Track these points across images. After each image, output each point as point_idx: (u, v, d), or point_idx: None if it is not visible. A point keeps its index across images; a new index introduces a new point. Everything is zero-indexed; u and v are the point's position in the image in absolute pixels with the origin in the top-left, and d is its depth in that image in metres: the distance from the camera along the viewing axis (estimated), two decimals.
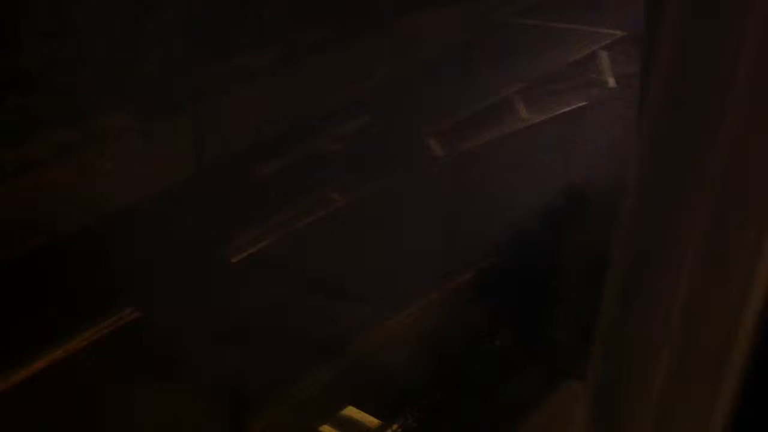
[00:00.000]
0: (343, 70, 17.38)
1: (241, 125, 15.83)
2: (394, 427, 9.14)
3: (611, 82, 16.21)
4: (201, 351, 10.21)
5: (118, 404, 9.83)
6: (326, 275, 11.70)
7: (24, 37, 16.94)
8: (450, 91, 15.95)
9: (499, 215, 12.07)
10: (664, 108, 1.68)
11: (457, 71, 16.46)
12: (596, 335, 2.20)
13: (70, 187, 13.94)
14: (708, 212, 1.74)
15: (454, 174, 13.98)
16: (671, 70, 1.68)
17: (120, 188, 13.69)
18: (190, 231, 11.61)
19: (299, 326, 10.84)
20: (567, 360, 9.33)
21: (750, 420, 1.87)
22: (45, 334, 10.63)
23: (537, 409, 8.74)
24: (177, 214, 12.35)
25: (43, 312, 11.00)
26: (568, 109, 15.69)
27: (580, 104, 15.76)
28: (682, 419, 1.91)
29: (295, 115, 16.04)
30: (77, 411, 9.78)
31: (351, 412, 9.02)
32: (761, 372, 1.78)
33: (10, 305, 11.13)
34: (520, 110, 15.87)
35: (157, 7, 14.23)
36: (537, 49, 17.55)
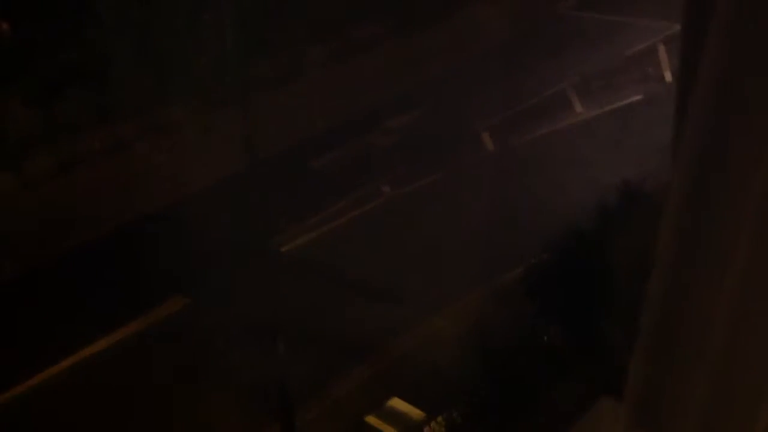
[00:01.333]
0: (395, 64, 17.38)
1: (294, 119, 15.94)
2: (439, 419, 9.11)
3: (668, 76, 15.90)
4: (247, 342, 10.31)
5: (161, 394, 9.99)
6: (375, 269, 11.71)
7: (84, 31, 17.30)
8: (503, 85, 15.81)
9: (551, 211, 11.93)
10: (711, 109, 1.64)
11: (511, 65, 16.31)
12: (640, 335, 2.16)
13: (125, 179, 14.21)
14: (754, 215, 1.68)
15: (505, 169, 13.88)
16: (720, 69, 1.63)
17: (173, 181, 13.91)
18: (241, 223, 11.73)
19: (346, 319, 10.88)
20: (618, 360, 9.20)
21: None
22: (94, 322, 10.86)
23: (583, 410, 8.63)
24: (229, 207, 12.48)
25: (94, 300, 11.24)
26: (623, 103, 15.45)
27: (636, 98, 15.50)
28: (726, 428, 1.86)
29: (347, 109, 16.09)
30: (122, 399, 9.96)
31: (396, 404, 9.04)
32: None
33: (61, 293, 11.42)
34: (574, 104, 15.67)
35: (213, 1, 14.36)
36: (593, 43, 17.30)
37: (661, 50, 16.59)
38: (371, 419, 9.45)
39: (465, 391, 9.61)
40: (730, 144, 1.68)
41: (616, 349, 8.85)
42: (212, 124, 15.22)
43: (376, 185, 13.57)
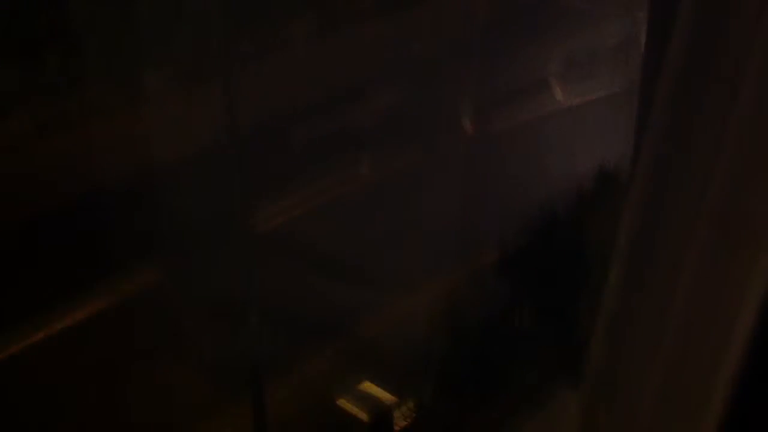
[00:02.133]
0: (380, 41, 17.31)
1: (275, 94, 15.85)
2: (410, 404, 9.18)
3: None
4: (218, 319, 10.32)
5: (128, 368, 9.95)
6: (350, 250, 11.73)
7: None
8: (485, 69, 15.81)
9: (528, 196, 11.99)
10: (671, 105, 1.66)
11: (494, 49, 16.30)
12: (595, 327, 2.20)
13: (103, 148, 14.07)
14: (710, 213, 1.71)
15: (484, 153, 13.92)
16: (680, 68, 1.65)
17: (152, 151, 13.80)
18: (218, 198, 11.68)
19: (318, 301, 10.90)
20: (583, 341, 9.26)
21: (743, 424, 1.85)
22: (64, 292, 10.78)
23: (553, 393, 8.75)
24: (207, 181, 12.41)
25: (64, 270, 11.15)
26: (604, 93, 15.49)
27: (617, 89, 15.55)
28: (676, 419, 1.90)
29: (329, 86, 16.02)
30: (92, 372, 9.92)
31: (368, 387, 9.09)
32: (756, 376, 1.76)
33: (33, 263, 11.31)
34: (556, 92, 15.71)
35: None
36: (576, 31, 17.32)
37: (642, 39, 16.65)
38: (342, 402, 9.49)
39: (436, 374, 9.69)
40: (690, 137, 1.71)
41: (581, 332, 8.94)
42: (191, 94, 15.10)
43: (356, 165, 13.56)
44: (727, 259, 1.70)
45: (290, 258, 11.44)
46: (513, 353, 9.87)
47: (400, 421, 9.36)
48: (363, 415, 9.31)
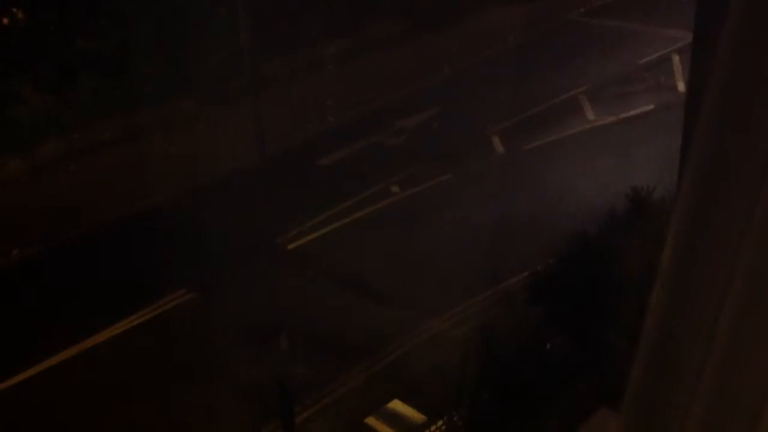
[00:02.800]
0: (409, 64, 17.37)
1: (305, 115, 15.96)
2: (439, 423, 9.08)
3: (681, 86, 15.83)
4: (249, 337, 10.33)
5: (162, 387, 10.00)
6: (381, 269, 11.70)
7: (100, 21, 17.36)
8: (516, 89, 15.79)
9: (559, 217, 11.91)
10: (717, 122, 1.62)
11: (524, 69, 16.29)
12: (640, 343, 2.14)
13: (136, 169, 14.23)
14: (759, 228, 1.67)
15: (515, 173, 13.86)
16: (729, 81, 1.62)
17: (182, 173, 13.93)
18: (248, 218, 11.74)
19: (349, 319, 10.88)
20: (619, 370, 9.17)
21: None
22: (100, 311, 10.88)
23: (583, 420, 8.62)
24: (237, 201, 12.50)
25: (100, 290, 11.26)
26: (635, 112, 15.40)
27: (648, 108, 15.46)
28: None
29: (359, 107, 16.10)
30: (122, 392, 9.97)
31: (397, 405, 9.02)
32: None
33: (69, 282, 11.44)
34: (586, 111, 15.63)
35: None
36: (607, 50, 17.27)
37: (675, 60, 16.54)
38: (371, 420, 9.43)
39: (467, 396, 9.60)
40: (737, 157, 1.67)
41: (618, 359, 8.84)
42: (223, 117, 15.25)
43: (385, 185, 13.56)
44: None
45: (321, 278, 11.43)
46: (544, 379, 9.76)
47: None
48: None
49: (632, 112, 15.39)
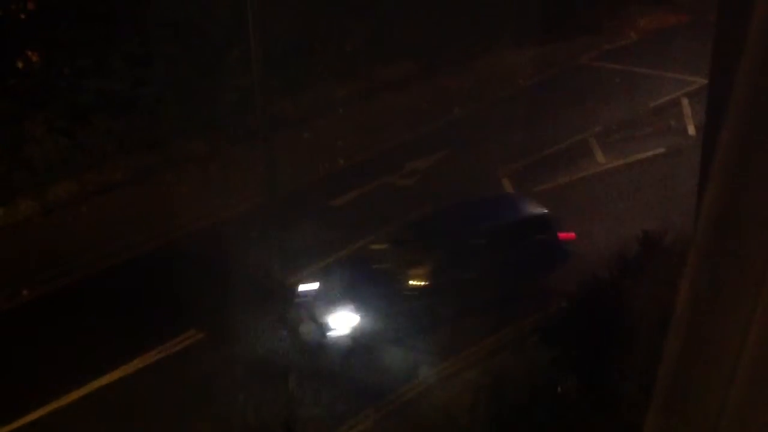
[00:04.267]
0: (419, 106, 17.47)
1: (316, 156, 16.02)
2: None
3: (691, 129, 15.84)
4: (258, 378, 10.27)
5: (174, 424, 9.94)
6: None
7: (113, 62, 17.55)
8: (526, 131, 15.83)
9: (570, 260, 11.87)
10: (734, 165, 1.62)
11: (535, 112, 16.35)
12: (655, 390, 2.11)
13: (147, 209, 14.30)
14: None
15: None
16: (744, 124, 1.61)
17: (193, 213, 13.98)
18: (259, 259, 11.74)
19: (358, 362, 10.81)
20: (631, 413, 9.06)
21: None
22: (111, 351, 10.86)
23: None
24: (248, 241, 12.52)
25: (110, 330, 11.25)
26: (645, 155, 15.39)
27: (658, 151, 15.46)
28: None
29: (370, 148, 16.17)
30: (133, 428, 9.93)
31: None
32: None
33: (79, 323, 11.44)
34: (596, 154, 15.64)
35: (240, 37, 14.54)
36: (617, 94, 17.33)
37: (685, 103, 16.58)
38: None
39: None
40: (753, 201, 1.66)
41: (631, 403, 8.74)
42: (234, 158, 15.33)
43: (394, 226, 13.53)
44: None
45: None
46: (558, 421, 9.65)
47: None
48: None
49: (642, 155, 15.38)
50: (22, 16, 17.03)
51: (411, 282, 11.38)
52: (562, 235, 12.19)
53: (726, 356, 1.81)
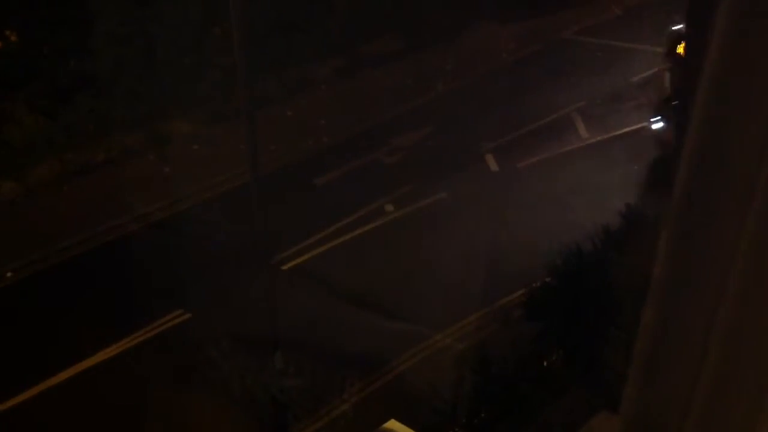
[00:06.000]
0: (403, 82, 17.43)
1: (300, 135, 15.97)
2: None
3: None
4: (245, 356, 10.31)
5: (161, 404, 9.98)
6: (375, 288, 11.69)
7: (95, 42, 17.40)
8: (510, 106, 15.85)
9: (553, 234, 11.92)
10: (706, 131, 1.63)
11: (518, 87, 16.36)
12: (633, 361, 2.14)
13: (130, 189, 14.23)
14: (749, 240, 1.67)
15: (509, 190, 13.88)
16: (718, 74, 1.62)
17: (177, 193, 13.94)
18: (243, 238, 11.73)
19: (344, 337, 10.86)
20: (616, 385, 9.14)
21: None
22: (96, 333, 10.86)
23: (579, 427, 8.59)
24: (231, 221, 12.50)
25: (96, 311, 11.24)
26: (628, 129, 15.45)
27: (641, 125, 15.51)
28: None
29: (354, 126, 16.14)
30: (122, 408, 9.95)
31: (393, 425, 8.95)
32: None
33: (64, 304, 11.43)
34: (579, 128, 15.68)
35: (222, 15, 14.42)
36: (599, 68, 17.36)
37: (667, 77, 16.61)
38: None
39: (464, 412, 9.57)
40: (725, 175, 1.67)
41: (616, 366, 8.83)
42: (217, 137, 15.27)
43: (380, 203, 13.57)
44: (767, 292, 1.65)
45: (316, 296, 11.41)
46: (541, 393, 9.74)
47: None
48: None
49: (625, 129, 15.44)
50: None
51: None
52: None
53: (699, 328, 1.84)
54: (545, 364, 10.14)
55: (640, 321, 2.10)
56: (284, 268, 12.06)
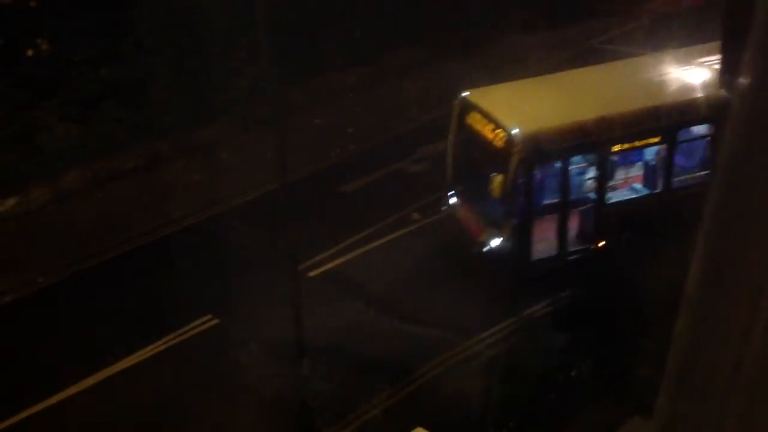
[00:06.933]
0: (430, 91, 17.43)
1: (327, 143, 16.02)
2: None
3: None
4: (273, 361, 10.35)
5: (192, 406, 10.04)
6: (402, 295, 11.68)
7: (124, 51, 17.60)
8: None
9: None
10: (739, 155, 1.64)
11: None
12: (667, 370, 2.14)
13: (159, 196, 14.36)
14: None
15: None
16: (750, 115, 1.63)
17: (205, 200, 14.04)
18: (271, 244, 11.79)
19: (372, 343, 10.86)
20: (644, 395, 9.09)
21: None
22: (126, 337, 10.95)
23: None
24: (260, 227, 12.57)
25: (126, 315, 11.34)
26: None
27: None
28: None
29: (380, 134, 16.16)
30: (152, 410, 10.02)
31: None
32: None
33: (94, 309, 11.52)
34: None
35: (250, 26, 14.56)
36: None
37: None
38: None
39: (492, 420, 9.55)
40: (760, 188, 1.68)
41: (645, 375, 8.79)
42: (245, 145, 15.37)
43: (406, 211, 13.56)
44: None
45: (342, 302, 11.42)
46: (569, 403, 9.70)
47: None
48: None
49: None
50: (32, 4, 17.07)
51: None
52: None
53: (734, 340, 1.83)
54: (573, 373, 10.10)
55: (673, 332, 2.09)
56: (311, 274, 12.10)
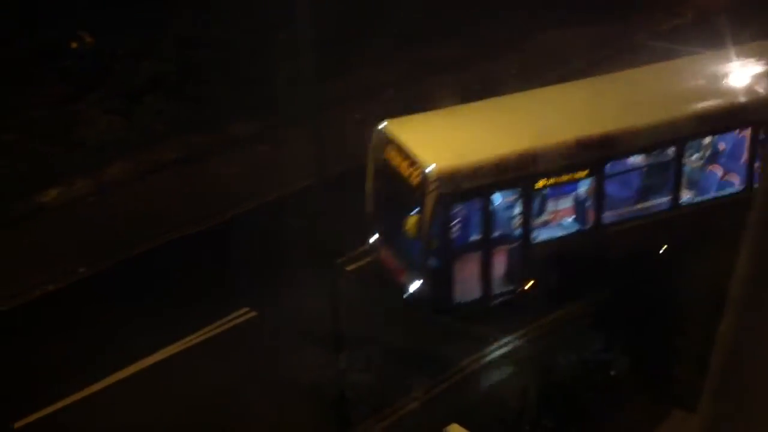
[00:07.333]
0: (469, 87, 17.35)
1: (367, 137, 15.99)
2: None
3: None
4: (311, 354, 10.40)
5: (232, 396, 10.13)
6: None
7: (164, 45, 17.79)
8: None
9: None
10: None
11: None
12: (710, 371, 2.10)
13: (199, 189, 14.47)
14: None
15: None
16: None
17: (244, 193, 14.12)
18: (309, 237, 11.83)
19: (408, 340, 10.86)
20: (682, 394, 9.00)
21: None
22: (164, 328, 11.06)
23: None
24: (298, 221, 12.61)
25: (165, 307, 11.44)
26: None
27: None
28: None
29: None
30: (188, 401, 10.13)
31: (455, 429, 8.92)
32: None
33: (134, 300, 11.65)
34: None
35: (289, 19, 14.63)
36: None
37: None
38: None
39: (528, 418, 9.51)
40: None
41: (680, 384, 8.69)
42: (285, 139, 15.43)
43: None
44: None
45: (380, 297, 11.42)
46: (604, 402, 9.63)
47: None
48: None
49: None
50: None
51: None
52: None
53: None
54: (612, 373, 10.04)
55: (717, 335, 2.05)
56: (349, 268, 12.12)
